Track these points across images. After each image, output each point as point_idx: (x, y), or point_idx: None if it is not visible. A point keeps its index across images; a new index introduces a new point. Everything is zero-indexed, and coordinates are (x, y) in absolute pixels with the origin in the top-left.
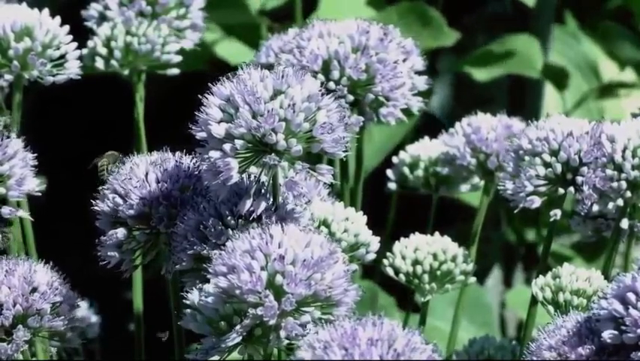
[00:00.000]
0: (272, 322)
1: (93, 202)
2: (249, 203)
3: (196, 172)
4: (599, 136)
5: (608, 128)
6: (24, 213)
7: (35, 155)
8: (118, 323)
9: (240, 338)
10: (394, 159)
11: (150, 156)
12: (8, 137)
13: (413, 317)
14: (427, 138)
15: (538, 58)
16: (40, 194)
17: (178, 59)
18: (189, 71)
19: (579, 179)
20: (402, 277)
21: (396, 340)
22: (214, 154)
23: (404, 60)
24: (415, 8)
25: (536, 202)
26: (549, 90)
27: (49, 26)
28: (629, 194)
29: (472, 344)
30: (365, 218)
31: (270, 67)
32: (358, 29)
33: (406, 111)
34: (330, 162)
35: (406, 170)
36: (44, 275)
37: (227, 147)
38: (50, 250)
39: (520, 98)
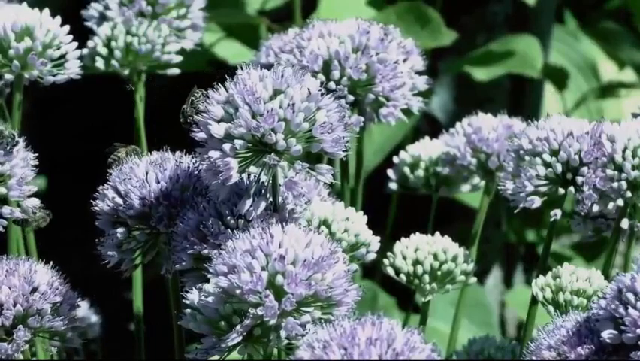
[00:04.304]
0: (272, 322)
1: (93, 202)
2: (248, 203)
3: (196, 172)
4: (599, 136)
5: (608, 128)
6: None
7: (36, 155)
8: (118, 323)
9: (240, 337)
10: (395, 159)
11: (150, 155)
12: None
13: (414, 317)
14: (427, 138)
15: (538, 58)
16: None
17: (178, 59)
18: (190, 70)
19: (579, 179)
20: (402, 277)
21: (395, 339)
22: (214, 154)
23: (404, 60)
24: (414, 8)
25: (536, 202)
26: (549, 90)
27: (49, 26)
28: (629, 194)
29: (472, 344)
30: (365, 218)
31: (270, 67)
32: (359, 29)
33: (406, 111)
34: (330, 162)
35: (407, 170)
36: (44, 275)
37: (226, 146)
38: (50, 249)
39: (520, 98)
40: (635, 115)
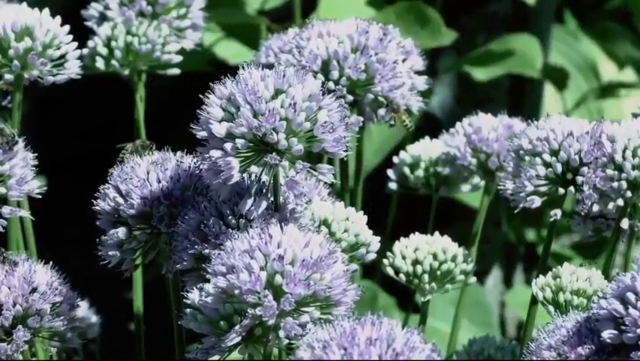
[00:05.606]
0: (271, 322)
1: (93, 202)
2: (250, 202)
3: (197, 172)
4: (599, 136)
5: (608, 128)
6: (25, 213)
7: (35, 155)
8: (118, 323)
9: (240, 338)
10: (395, 159)
11: (151, 155)
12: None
13: (413, 317)
14: (427, 138)
15: (538, 58)
16: (40, 197)
17: (178, 58)
18: (190, 70)
19: (579, 179)
20: (402, 277)
21: (395, 339)
22: (215, 153)
23: (404, 60)
24: (414, 8)
25: (537, 202)
26: (549, 90)
27: (49, 26)
28: (629, 194)
29: (472, 344)
30: (365, 218)
31: (269, 67)
32: (358, 29)
33: (406, 111)
34: (330, 162)
35: (407, 170)
36: (44, 275)
37: (228, 146)
38: (50, 249)
39: (520, 98)
40: (635, 115)
